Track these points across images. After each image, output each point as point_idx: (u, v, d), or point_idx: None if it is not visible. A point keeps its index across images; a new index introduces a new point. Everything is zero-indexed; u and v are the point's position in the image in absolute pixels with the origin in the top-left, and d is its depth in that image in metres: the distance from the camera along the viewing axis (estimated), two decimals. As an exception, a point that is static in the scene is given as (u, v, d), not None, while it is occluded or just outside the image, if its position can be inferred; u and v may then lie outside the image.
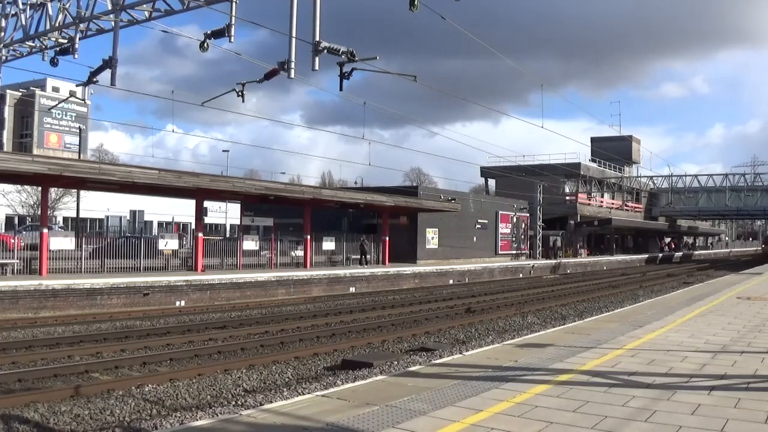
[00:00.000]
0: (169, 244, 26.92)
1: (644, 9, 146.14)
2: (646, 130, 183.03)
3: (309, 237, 30.60)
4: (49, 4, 11.53)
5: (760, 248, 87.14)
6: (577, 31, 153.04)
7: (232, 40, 10.02)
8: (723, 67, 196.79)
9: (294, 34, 9.28)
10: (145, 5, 10.51)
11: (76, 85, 13.40)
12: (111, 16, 10.70)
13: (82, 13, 10.92)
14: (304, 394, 8.16)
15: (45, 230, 22.08)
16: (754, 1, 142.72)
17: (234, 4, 9.79)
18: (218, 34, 10.05)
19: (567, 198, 58.67)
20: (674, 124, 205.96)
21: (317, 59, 9.30)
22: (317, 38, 9.26)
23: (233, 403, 8.74)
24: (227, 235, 56.27)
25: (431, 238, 39.14)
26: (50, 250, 21.78)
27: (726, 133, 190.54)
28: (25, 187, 46.64)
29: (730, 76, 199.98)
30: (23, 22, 12.01)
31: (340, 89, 10.37)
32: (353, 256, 33.64)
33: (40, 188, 31.98)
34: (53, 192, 46.30)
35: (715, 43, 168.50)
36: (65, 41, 11.69)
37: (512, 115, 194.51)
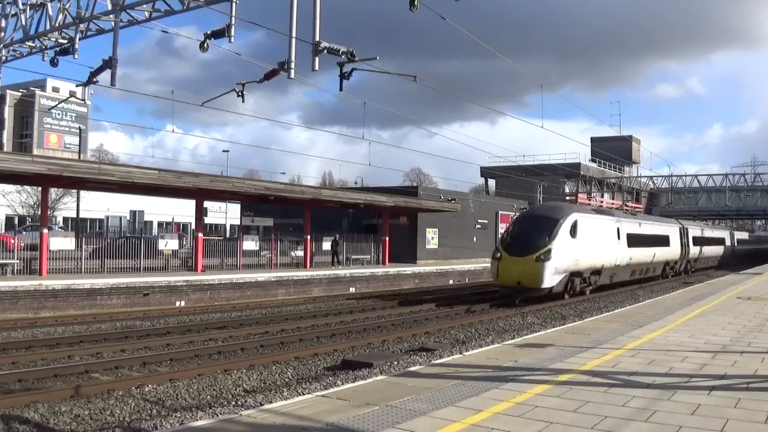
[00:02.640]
0: (169, 244, 26.93)
1: (638, 10, 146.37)
2: (644, 130, 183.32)
3: (309, 237, 30.60)
4: (49, 5, 11.53)
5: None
6: (571, 33, 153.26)
7: (232, 40, 10.02)
8: (718, 67, 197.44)
9: (294, 35, 9.28)
10: (145, 5, 10.51)
11: (76, 86, 13.39)
12: (111, 16, 10.70)
13: (82, 14, 10.92)
14: (304, 394, 8.17)
15: (45, 230, 22.08)
16: (747, 2, 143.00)
17: (234, 4, 9.79)
18: (218, 34, 10.05)
19: (567, 198, 58.71)
20: (672, 125, 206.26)
21: (317, 59, 9.30)
22: (317, 38, 9.26)
23: (233, 403, 8.74)
24: (227, 236, 56.27)
25: (431, 238, 39.15)
26: (50, 251, 21.79)
27: (724, 133, 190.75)
28: (25, 187, 46.67)
29: (726, 77, 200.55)
30: (23, 23, 12.01)
31: (340, 89, 10.38)
32: (353, 256, 33.62)
33: (40, 188, 31.99)
34: (53, 192, 46.31)
35: (710, 43, 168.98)
36: (65, 41, 11.69)
37: (512, 116, 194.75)
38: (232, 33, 9.92)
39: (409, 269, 33.38)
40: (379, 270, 31.79)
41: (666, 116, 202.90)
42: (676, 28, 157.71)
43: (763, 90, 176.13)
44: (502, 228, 46.42)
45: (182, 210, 49.49)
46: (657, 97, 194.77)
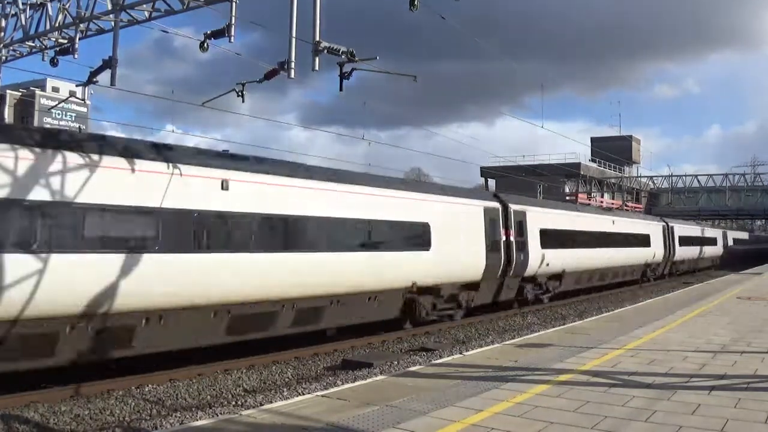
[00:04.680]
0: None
1: (633, 11, 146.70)
2: (643, 130, 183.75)
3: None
4: (49, 4, 11.49)
5: None
6: (568, 34, 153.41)
7: (232, 40, 9.99)
8: (714, 69, 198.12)
9: (294, 35, 9.27)
10: (145, 5, 10.47)
11: (76, 85, 13.33)
12: (111, 16, 10.68)
13: (82, 13, 10.88)
14: (304, 394, 8.17)
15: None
16: (741, 3, 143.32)
17: (234, 4, 9.77)
18: (218, 34, 10.02)
19: (567, 198, 58.66)
20: (670, 125, 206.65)
21: (317, 59, 9.29)
22: (317, 38, 9.25)
23: (233, 403, 8.75)
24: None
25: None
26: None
27: (722, 134, 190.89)
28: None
29: (723, 79, 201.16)
30: (23, 22, 11.98)
31: (340, 89, 10.35)
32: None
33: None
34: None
35: (706, 45, 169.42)
36: (65, 41, 11.65)
37: (512, 116, 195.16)
38: (232, 33, 9.90)
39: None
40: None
41: (663, 117, 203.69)
42: (672, 29, 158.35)
43: (761, 91, 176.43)
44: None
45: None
46: (655, 97, 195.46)
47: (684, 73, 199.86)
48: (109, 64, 10.71)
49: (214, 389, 9.85)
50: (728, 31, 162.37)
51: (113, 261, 9.51)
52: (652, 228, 34.40)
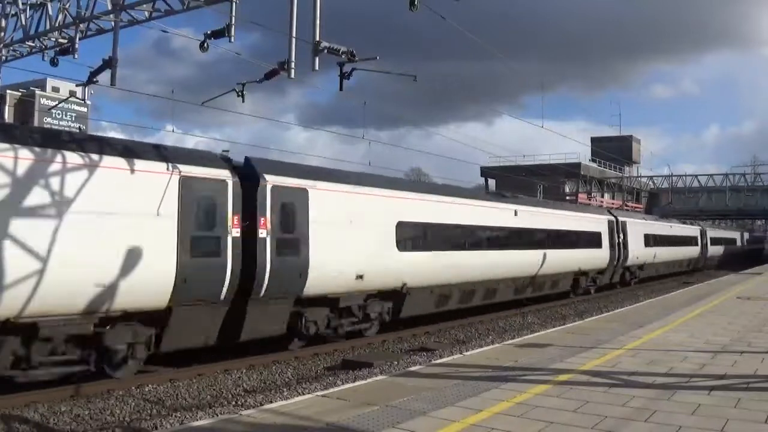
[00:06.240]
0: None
1: (629, 12, 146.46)
2: (642, 130, 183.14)
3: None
4: (49, 4, 11.49)
5: None
6: (565, 34, 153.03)
7: (233, 40, 10.00)
8: (711, 69, 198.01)
9: (294, 35, 9.28)
10: (145, 5, 10.47)
11: (76, 85, 13.35)
12: (111, 16, 10.68)
13: (82, 13, 10.89)
14: (304, 394, 8.17)
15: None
16: (736, 3, 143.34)
17: (234, 4, 9.77)
18: (218, 34, 10.03)
19: (567, 198, 58.63)
20: (669, 126, 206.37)
21: (317, 59, 9.30)
22: (317, 38, 9.26)
23: (233, 403, 8.75)
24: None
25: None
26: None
27: (721, 134, 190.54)
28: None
29: (719, 79, 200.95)
30: (23, 22, 11.97)
31: (340, 89, 10.36)
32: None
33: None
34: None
35: (701, 45, 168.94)
36: (65, 41, 11.64)
37: (511, 116, 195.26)
38: (232, 33, 9.90)
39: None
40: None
41: (661, 117, 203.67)
42: (667, 29, 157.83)
43: (757, 91, 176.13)
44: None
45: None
46: (652, 97, 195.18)
47: (680, 74, 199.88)
48: (109, 64, 10.70)
49: (214, 389, 9.85)
50: (722, 32, 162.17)
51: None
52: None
